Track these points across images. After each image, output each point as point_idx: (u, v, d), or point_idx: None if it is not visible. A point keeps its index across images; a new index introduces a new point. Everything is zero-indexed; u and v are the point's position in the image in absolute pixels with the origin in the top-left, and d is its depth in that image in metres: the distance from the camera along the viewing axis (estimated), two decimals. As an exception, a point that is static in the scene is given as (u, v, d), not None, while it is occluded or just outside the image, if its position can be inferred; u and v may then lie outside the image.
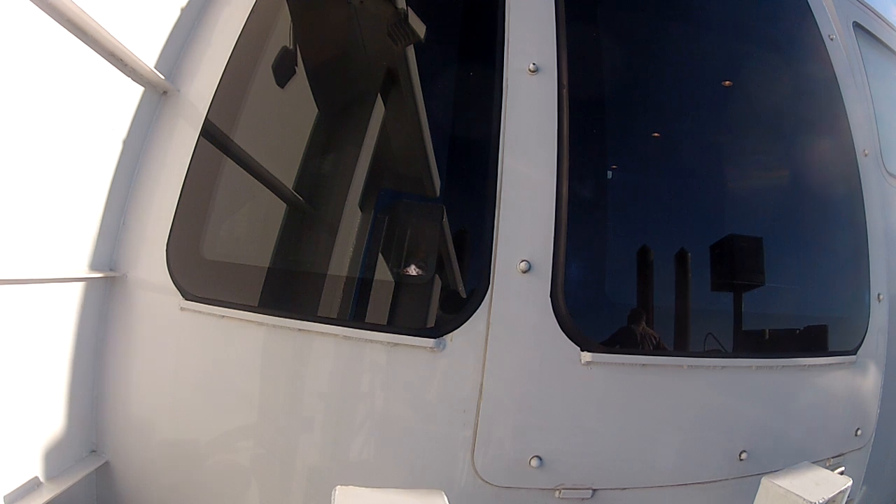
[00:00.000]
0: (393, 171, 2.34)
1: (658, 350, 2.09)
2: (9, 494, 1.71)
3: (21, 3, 1.60)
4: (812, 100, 2.72)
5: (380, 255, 2.06)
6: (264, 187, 2.29)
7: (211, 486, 2.10)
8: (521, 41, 2.10)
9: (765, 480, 1.69)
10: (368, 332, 1.91)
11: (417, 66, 2.23)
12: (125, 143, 2.15)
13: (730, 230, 2.31)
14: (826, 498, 1.59)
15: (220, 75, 2.28)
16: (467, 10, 2.35)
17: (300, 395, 2.00)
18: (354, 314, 2.04)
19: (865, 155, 2.72)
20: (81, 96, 1.89)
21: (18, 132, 1.65)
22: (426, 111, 2.21)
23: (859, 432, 2.48)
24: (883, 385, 2.59)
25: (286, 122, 2.49)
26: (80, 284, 2.00)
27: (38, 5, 1.65)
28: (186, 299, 2.07)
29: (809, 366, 2.31)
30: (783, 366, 2.23)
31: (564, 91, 2.05)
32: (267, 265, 2.18)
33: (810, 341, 2.42)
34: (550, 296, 1.90)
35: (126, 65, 2.04)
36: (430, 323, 1.96)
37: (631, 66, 2.37)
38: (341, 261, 2.08)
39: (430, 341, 1.88)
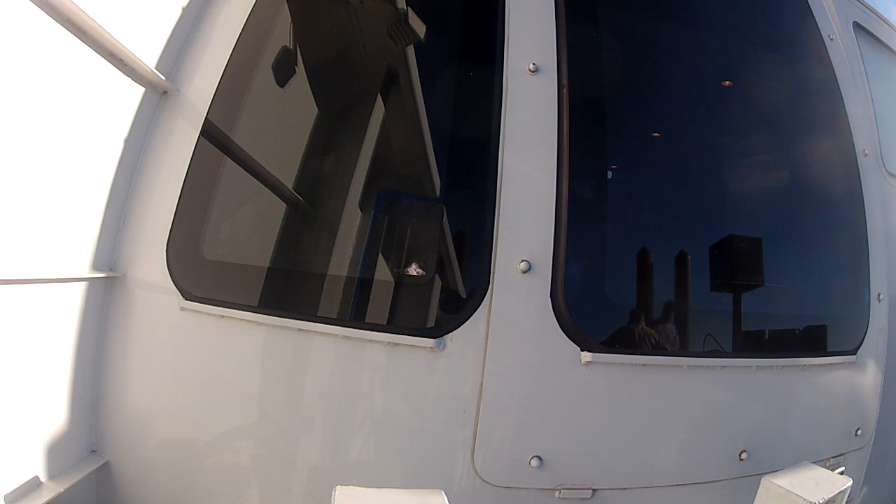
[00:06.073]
0: (393, 171, 2.34)
1: (658, 350, 2.09)
2: (9, 494, 1.71)
3: (21, 3, 1.60)
4: (812, 100, 2.72)
5: (380, 254, 2.06)
6: (264, 187, 2.28)
7: (211, 486, 2.10)
8: (521, 41, 2.10)
9: (765, 480, 1.69)
10: (368, 332, 1.91)
11: (417, 65, 2.23)
12: (125, 143, 2.15)
13: (730, 230, 2.31)
14: (826, 498, 1.59)
15: (220, 75, 2.28)
16: (467, 10, 2.35)
17: (300, 395, 2.00)
18: (354, 314, 2.04)
19: (865, 155, 2.72)
20: (82, 97, 1.89)
21: (19, 132, 1.65)
22: (426, 111, 2.21)
23: (859, 432, 2.48)
24: (883, 385, 2.58)
25: (286, 122, 2.49)
26: (81, 284, 2.00)
27: (38, 5, 1.64)
28: (186, 299, 2.06)
29: (809, 366, 2.31)
30: (783, 366, 2.23)
31: (564, 91, 2.05)
32: (267, 265, 2.18)
33: (810, 341, 2.42)
34: (550, 296, 1.90)
35: (126, 65, 2.04)
36: (431, 323, 1.96)
37: (631, 67, 2.37)
38: (341, 261, 2.08)
39: (430, 341, 1.88)
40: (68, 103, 1.84)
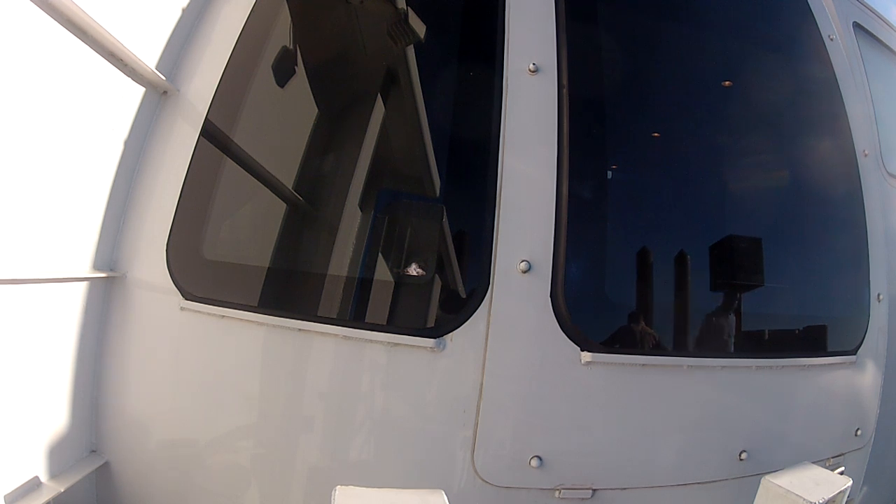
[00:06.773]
0: (393, 171, 2.34)
1: (658, 350, 2.09)
2: (9, 494, 1.71)
3: (21, 3, 1.60)
4: (812, 100, 2.72)
5: (380, 254, 2.06)
6: (264, 187, 2.29)
7: (211, 486, 2.10)
8: (521, 41, 2.10)
9: (765, 480, 1.69)
10: (368, 332, 1.91)
11: (417, 65, 2.23)
12: (125, 143, 2.15)
13: (730, 230, 2.31)
14: (826, 498, 1.59)
15: (220, 75, 2.28)
16: (467, 10, 2.35)
17: (300, 395, 2.00)
18: (354, 314, 2.04)
19: (865, 155, 2.72)
20: (82, 96, 1.89)
21: (19, 132, 1.65)
22: (426, 111, 2.21)
23: (859, 432, 2.48)
24: (883, 385, 2.59)
25: (286, 122, 2.49)
26: (80, 284, 2.00)
27: (38, 5, 1.65)
28: (186, 299, 2.06)
29: (809, 366, 2.32)
30: (783, 366, 2.23)
31: (564, 91, 2.05)
32: (267, 265, 2.18)
33: (810, 341, 2.42)
34: (550, 296, 1.91)
35: (126, 65, 2.04)
36: (431, 323, 1.96)
37: (631, 66, 2.37)
38: (341, 261, 2.08)
39: (430, 341, 1.88)
40: (68, 103, 1.84)
